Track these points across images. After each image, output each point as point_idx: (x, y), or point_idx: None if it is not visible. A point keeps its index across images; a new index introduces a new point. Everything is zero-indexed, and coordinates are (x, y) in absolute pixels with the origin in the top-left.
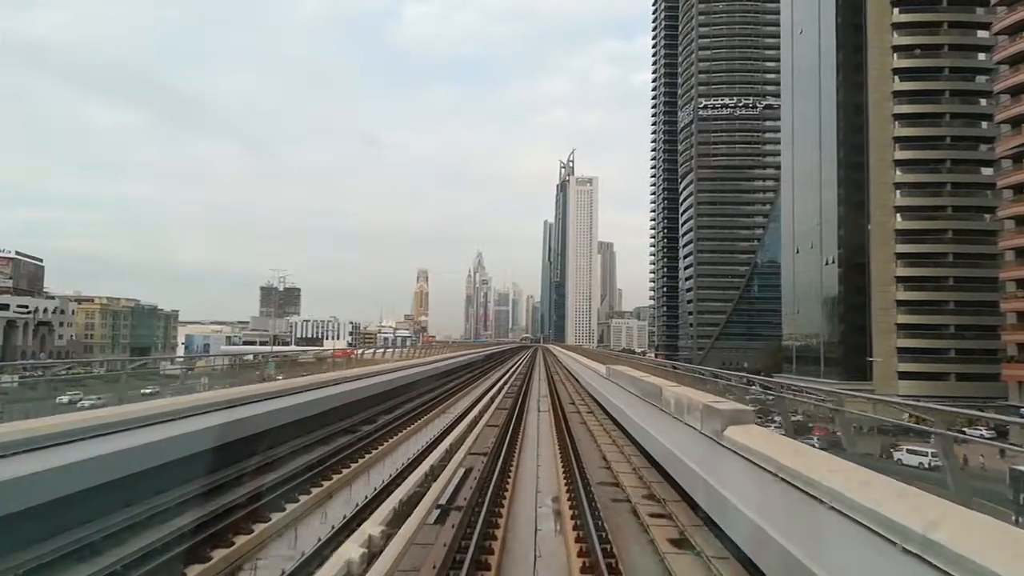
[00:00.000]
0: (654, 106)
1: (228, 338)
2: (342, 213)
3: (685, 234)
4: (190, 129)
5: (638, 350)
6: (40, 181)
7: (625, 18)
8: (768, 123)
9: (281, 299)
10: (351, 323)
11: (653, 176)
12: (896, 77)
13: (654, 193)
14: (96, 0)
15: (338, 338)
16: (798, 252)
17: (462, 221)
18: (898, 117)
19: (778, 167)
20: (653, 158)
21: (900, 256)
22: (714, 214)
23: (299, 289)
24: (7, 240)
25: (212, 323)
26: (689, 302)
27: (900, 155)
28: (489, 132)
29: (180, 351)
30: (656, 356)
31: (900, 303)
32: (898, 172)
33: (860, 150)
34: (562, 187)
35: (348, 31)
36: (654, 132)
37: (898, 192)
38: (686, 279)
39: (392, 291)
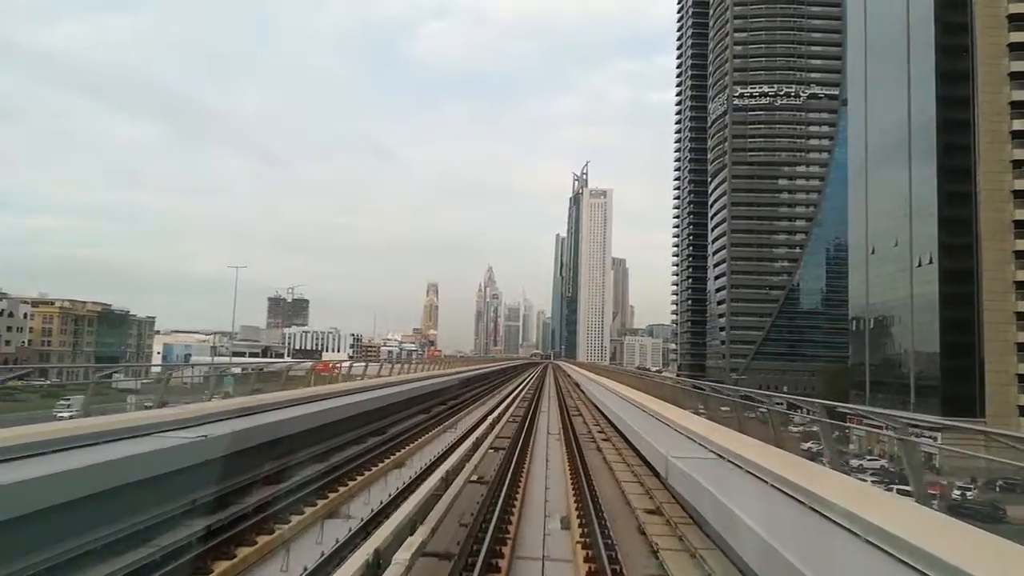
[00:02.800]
0: (679, 103)
1: (213, 348)
2: (354, 226)
3: (716, 239)
4: (207, 141)
5: (652, 368)
6: (59, 190)
7: (643, 36)
8: (812, 115)
9: (289, 310)
10: (352, 335)
11: (677, 180)
12: (1012, 25)
13: (678, 197)
14: (116, 15)
15: (339, 350)
16: (873, 252)
17: (474, 235)
18: (1016, 77)
19: (824, 164)
20: (677, 159)
21: (1021, 256)
22: (750, 216)
23: (307, 300)
24: (20, 247)
25: (211, 332)
26: (720, 316)
27: (1020, 125)
28: (503, 147)
29: (156, 361)
30: (678, 376)
31: (1022, 316)
32: (1017, 147)
33: (964, 125)
34: (575, 200)
35: (364, 47)
36: (678, 131)
37: (1017, 173)
38: (717, 290)
39: (403, 304)
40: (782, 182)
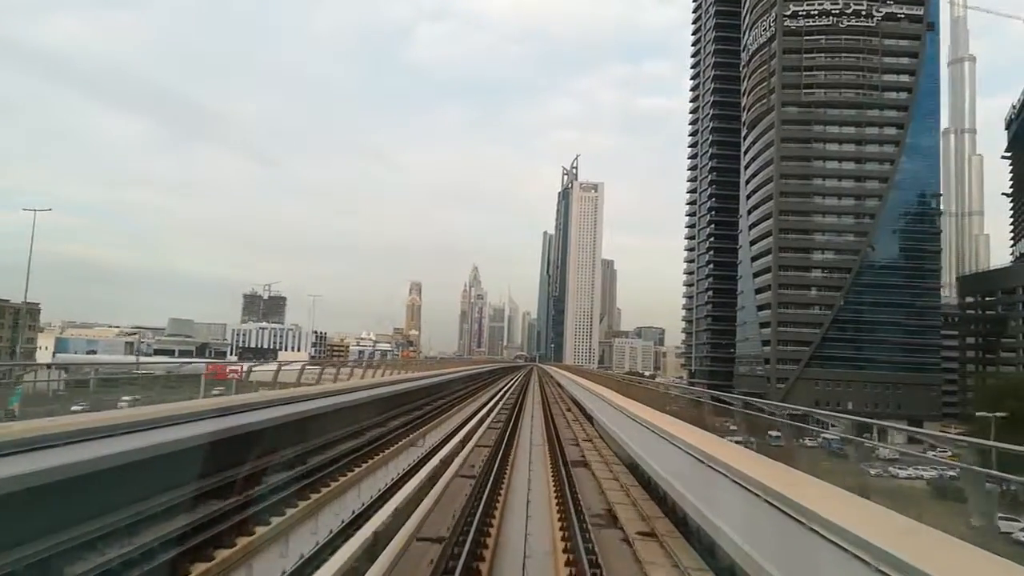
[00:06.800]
0: (695, 42)
1: (129, 344)
2: (343, 227)
3: (753, 209)
4: (200, 140)
5: (645, 373)
6: (52, 186)
7: (637, 42)
8: (889, 42)
9: (265, 308)
10: (315, 332)
11: (693, 147)
12: None
13: (694, 167)
14: (110, 11)
15: (298, 349)
16: None
17: (462, 237)
18: None
19: (902, 107)
20: (692, 121)
21: None
22: (804, 175)
23: (285, 298)
24: (9, 241)
25: (131, 328)
26: (761, 309)
27: None
28: (493, 150)
29: (43, 359)
30: (691, 383)
31: None
32: None
33: None
34: (564, 195)
35: (360, 49)
36: (695, 88)
37: None
38: (755, 275)
39: (388, 304)
40: (847, 131)
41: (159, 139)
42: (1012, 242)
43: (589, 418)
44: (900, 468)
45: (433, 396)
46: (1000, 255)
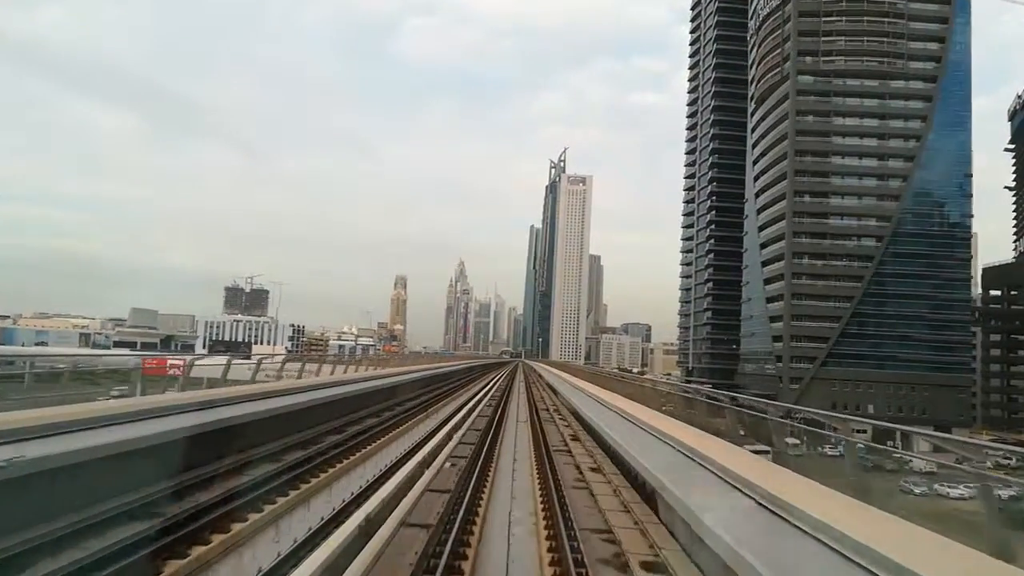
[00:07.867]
0: (695, 17)
1: (85, 336)
2: (331, 221)
3: (762, 192)
4: (185, 133)
5: (633, 370)
6: (30, 179)
7: (626, 38)
8: (915, 5)
9: (248, 300)
10: (292, 326)
11: (691, 129)
12: None
13: (692, 151)
14: (95, 1)
15: (274, 343)
16: None
17: (449, 232)
18: None
19: (930, 78)
20: (691, 102)
21: None
22: (819, 151)
23: (267, 291)
24: None
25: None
26: (771, 301)
27: None
28: (480, 145)
29: None
30: (689, 382)
31: None
32: None
33: None
34: (552, 188)
35: (348, 42)
36: (693, 65)
37: None
38: (764, 263)
39: (374, 299)
40: (869, 103)
41: (142, 133)
42: (1015, 236)
43: (632, 477)
44: (950, 486)
45: (360, 410)
46: (988, 255)
